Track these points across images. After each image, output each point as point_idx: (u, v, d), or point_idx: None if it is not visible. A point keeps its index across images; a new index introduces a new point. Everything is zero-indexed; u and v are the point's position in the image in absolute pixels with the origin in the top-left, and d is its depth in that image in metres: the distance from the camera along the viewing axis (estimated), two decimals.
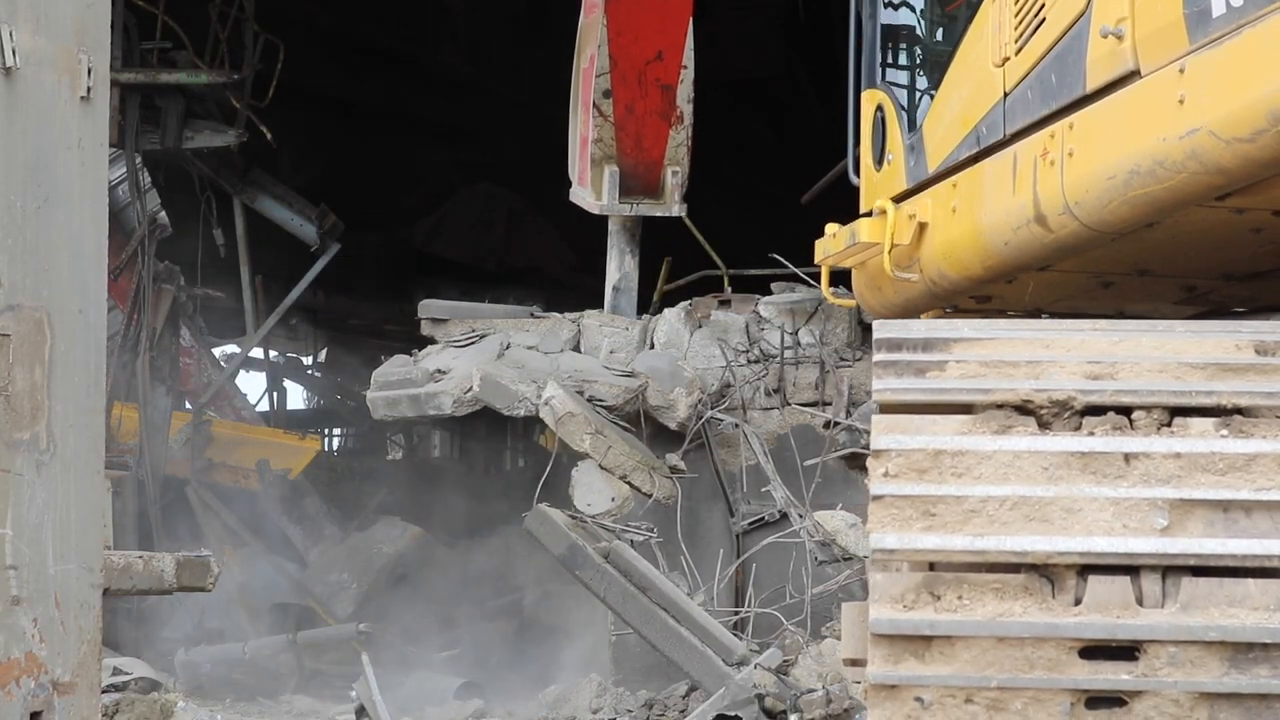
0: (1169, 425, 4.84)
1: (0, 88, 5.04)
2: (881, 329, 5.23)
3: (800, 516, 11.62)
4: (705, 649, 10.35)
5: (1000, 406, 4.92)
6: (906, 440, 4.86)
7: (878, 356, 5.13)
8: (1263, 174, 5.86)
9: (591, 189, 13.01)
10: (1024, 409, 4.90)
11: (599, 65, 12.72)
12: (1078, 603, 4.69)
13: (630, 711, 11.22)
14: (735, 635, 10.96)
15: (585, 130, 13.01)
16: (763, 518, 12.04)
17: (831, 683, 10.32)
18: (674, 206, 13.05)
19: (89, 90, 5.26)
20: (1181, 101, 5.94)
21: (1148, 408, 4.86)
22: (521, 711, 11.75)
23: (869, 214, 8.56)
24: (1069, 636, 4.66)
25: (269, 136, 16.76)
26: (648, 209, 13.10)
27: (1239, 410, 4.82)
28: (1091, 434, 4.83)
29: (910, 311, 8.78)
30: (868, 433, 11.38)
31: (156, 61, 16.50)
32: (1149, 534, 4.68)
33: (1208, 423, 4.81)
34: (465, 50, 23.21)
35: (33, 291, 5.11)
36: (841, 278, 9.86)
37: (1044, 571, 4.72)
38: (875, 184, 8.77)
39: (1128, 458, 4.77)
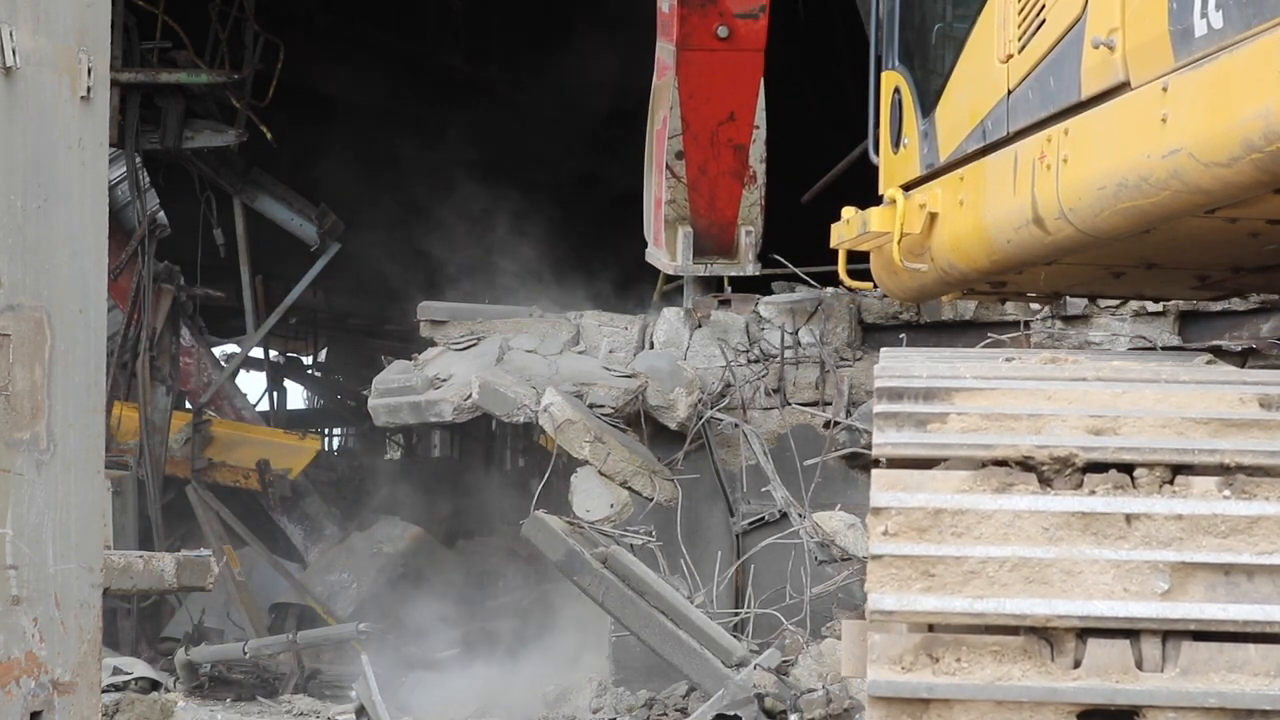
0: (1171, 483, 4.80)
1: (0, 88, 5.04)
2: (883, 377, 5.18)
3: (800, 516, 11.60)
4: (704, 651, 10.34)
5: (1001, 463, 4.89)
6: (906, 498, 4.82)
7: (878, 407, 5.08)
8: (1243, 195, 5.84)
9: (666, 250, 13.08)
10: (1025, 465, 4.87)
11: (671, 127, 12.84)
12: (1077, 666, 4.65)
13: (630, 711, 11.22)
14: (735, 636, 10.96)
15: (659, 192, 13.11)
16: (763, 518, 12.03)
17: (831, 682, 10.32)
18: (748, 265, 13.09)
19: (89, 90, 5.26)
20: (1164, 120, 5.91)
21: (1150, 465, 4.83)
22: (521, 711, 11.75)
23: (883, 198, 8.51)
24: (1067, 701, 4.62)
25: (269, 136, 16.76)
26: (722, 269, 13.15)
27: (1242, 469, 4.78)
28: (1093, 493, 4.79)
29: (925, 295, 8.75)
30: (868, 432, 11.37)
31: (156, 61, 16.51)
32: (1149, 598, 4.64)
33: (1210, 482, 4.77)
34: (465, 50, 23.20)
35: (33, 291, 5.12)
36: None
37: (1043, 634, 4.68)
38: (892, 166, 8.72)
39: (1129, 519, 4.72)
